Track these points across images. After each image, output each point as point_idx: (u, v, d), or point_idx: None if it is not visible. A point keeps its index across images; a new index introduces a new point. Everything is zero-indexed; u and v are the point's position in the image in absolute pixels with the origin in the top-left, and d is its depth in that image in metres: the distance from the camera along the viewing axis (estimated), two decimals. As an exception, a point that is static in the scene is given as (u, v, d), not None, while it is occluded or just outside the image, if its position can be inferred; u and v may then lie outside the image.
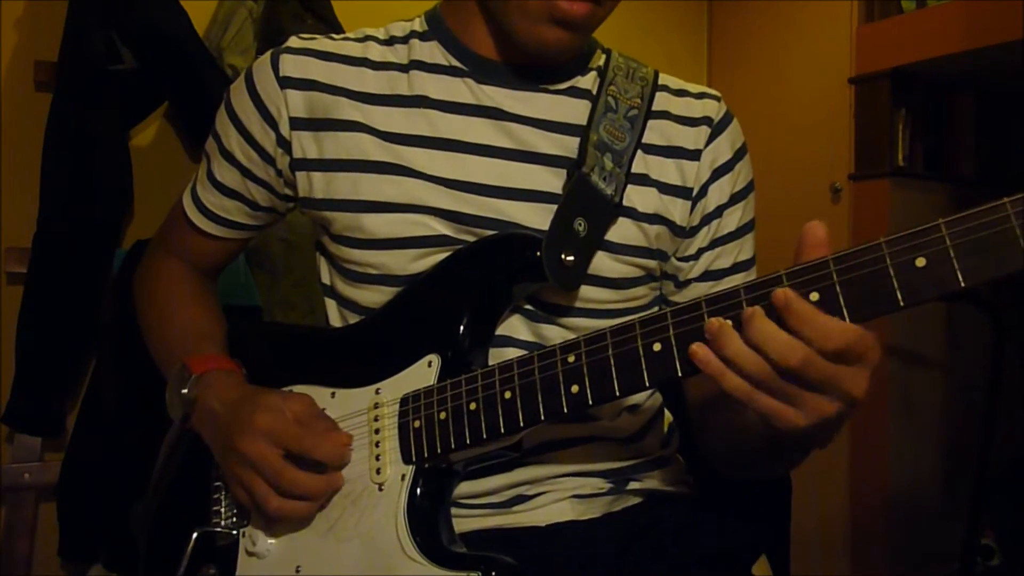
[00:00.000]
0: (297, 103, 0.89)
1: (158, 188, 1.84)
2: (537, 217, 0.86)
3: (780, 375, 0.64)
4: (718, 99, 0.96)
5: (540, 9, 0.82)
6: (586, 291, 0.88)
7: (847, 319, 0.63)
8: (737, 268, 0.96)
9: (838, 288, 0.63)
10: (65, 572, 1.75)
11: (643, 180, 0.90)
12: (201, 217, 0.99)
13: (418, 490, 0.80)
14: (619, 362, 0.72)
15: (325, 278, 0.97)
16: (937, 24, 2.21)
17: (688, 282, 0.95)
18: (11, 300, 1.71)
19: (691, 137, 0.93)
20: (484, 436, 0.78)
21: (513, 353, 0.80)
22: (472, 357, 0.83)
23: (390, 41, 0.94)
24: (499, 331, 0.87)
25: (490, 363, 0.81)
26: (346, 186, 0.88)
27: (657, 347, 0.70)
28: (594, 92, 0.92)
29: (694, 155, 0.93)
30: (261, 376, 0.93)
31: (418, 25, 0.95)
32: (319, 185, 0.89)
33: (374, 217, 0.87)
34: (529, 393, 0.76)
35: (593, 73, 0.94)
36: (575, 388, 0.74)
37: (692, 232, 0.93)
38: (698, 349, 0.66)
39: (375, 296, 0.90)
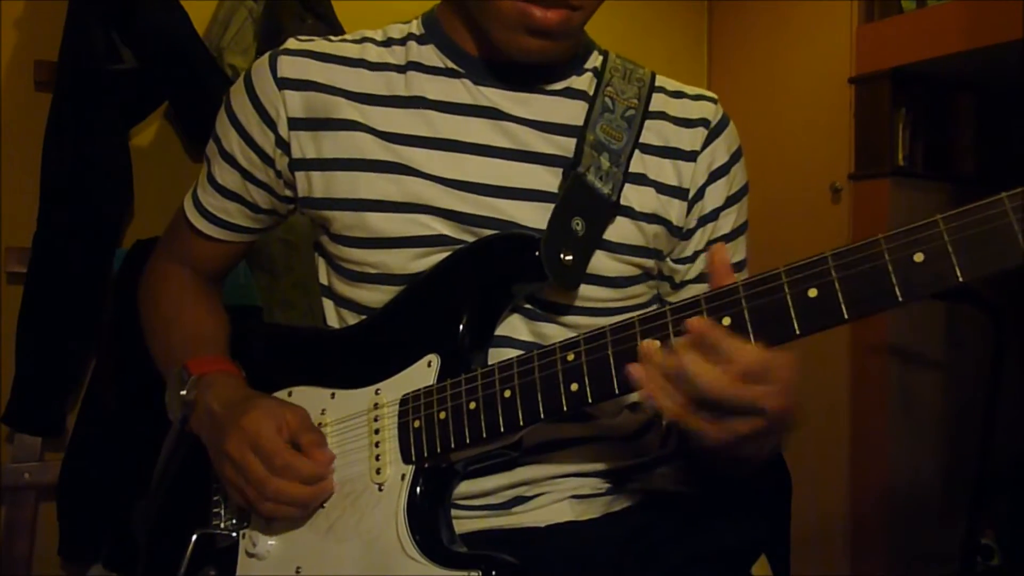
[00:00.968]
0: (295, 104, 0.89)
1: (158, 188, 1.84)
2: (536, 217, 0.86)
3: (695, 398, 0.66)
4: (715, 101, 0.96)
5: (514, 19, 0.82)
6: (585, 290, 0.88)
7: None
8: (732, 269, 0.96)
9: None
10: (65, 572, 1.75)
11: (641, 180, 0.91)
12: (202, 220, 0.99)
13: (418, 490, 0.80)
14: (619, 360, 0.72)
15: (323, 278, 0.97)
16: (937, 24, 2.21)
17: (684, 284, 0.96)
18: (11, 300, 1.71)
19: (688, 139, 0.93)
20: (484, 435, 0.78)
21: (513, 352, 0.80)
22: (472, 357, 0.83)
23: (387, 43, 0.94)
24: (499, 331, 0.87)
25: (490, 362, 0.81)
26: (345, 185, 0.88)
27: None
28: (590, 93, 0.93)
29: (691, 156, 0.93)
30: (261, 377, 0.93)
31: (415, 28, 0.95)
32: (318, 185, 0.89)
33: (374, 216, 0.87)
34: (529, 392, 0.76)
35: (589, 74, 0.95)
36: (575, 386, 0.74)
37: (688, 234, 0.94)
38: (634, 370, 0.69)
39: (374, 295, 0.90)
